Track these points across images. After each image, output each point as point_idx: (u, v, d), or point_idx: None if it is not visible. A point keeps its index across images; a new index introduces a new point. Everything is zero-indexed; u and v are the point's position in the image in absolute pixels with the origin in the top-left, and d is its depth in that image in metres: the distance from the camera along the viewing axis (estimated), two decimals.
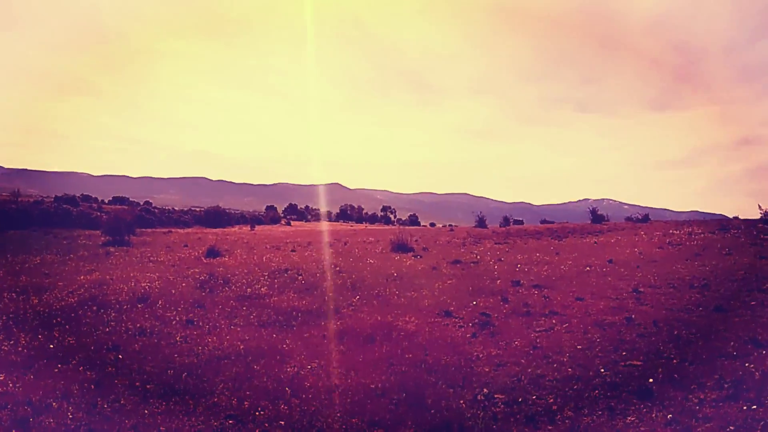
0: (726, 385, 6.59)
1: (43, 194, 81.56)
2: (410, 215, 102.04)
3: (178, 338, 9.40)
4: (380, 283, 14.74)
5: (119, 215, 31.56)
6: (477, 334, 9.62)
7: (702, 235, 24.28)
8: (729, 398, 6.26)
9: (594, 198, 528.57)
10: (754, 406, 5.98)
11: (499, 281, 14.74)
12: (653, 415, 6.04)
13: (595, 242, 25.49)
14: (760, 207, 27.23)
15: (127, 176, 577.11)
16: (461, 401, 6.68)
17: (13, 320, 10.25)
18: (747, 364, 7.24)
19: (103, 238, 27.97)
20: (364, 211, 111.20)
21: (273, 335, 9.66)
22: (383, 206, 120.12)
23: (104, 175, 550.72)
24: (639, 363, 7.65)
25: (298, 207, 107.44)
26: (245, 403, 6.67)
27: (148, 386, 7.16)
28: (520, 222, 60.76)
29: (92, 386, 7.08)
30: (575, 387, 6.96)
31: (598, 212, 40.58)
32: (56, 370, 7.65)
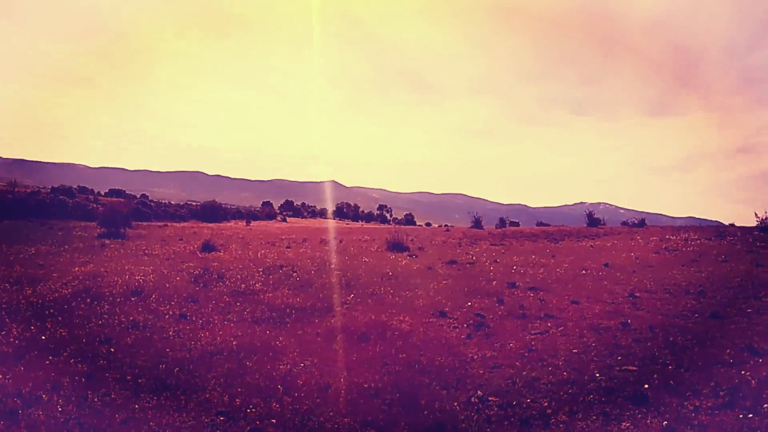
0: (722, 393, 6.56)
1: (40, 185, 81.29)
2: (406, 214, 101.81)
3: (170, 332, 9.34)
4: (375, 281, 14.70)
5: (115, 208, 31.43)
6: (472, 336, 9.58)
7: (698, 241, 24.29)
8: (725, 406, 6.23)
9: (590, 201, 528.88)
10: (750, 415, 5.95)
11: (494, 282, 14.70)
12: (648, 421, 6.00)
13: (591, 246, 25.45)
14: (756, 215, 27.30)
15: (125, 169, 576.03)
16: (455, 403, 6.65)
17: (5, 311, 10.18)
18: (743, 372, 7.22)
19: (98, 230, 27.83)
20: (361, 210, 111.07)
21: (266, 332, 9.60)
22: (379, 205, 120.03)
23: (101, 168, 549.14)
24: (634, 368, 7.61)
25: (295, 204, 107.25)
26: (237, 400, 6.62)
27: (139, 380, 7.11)
28: (516, 224, 60.72)
29: (83, 379, 7.03)
30: (570, 391, 6.92)
31: (595, 216, 40.54)
32: (47, 362, 7.59)
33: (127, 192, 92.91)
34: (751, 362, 7.66)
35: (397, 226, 60.94)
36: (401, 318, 10.72)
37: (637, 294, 12.89)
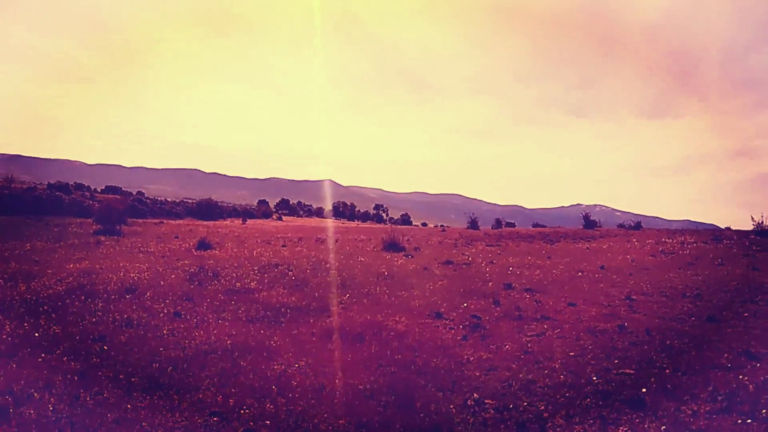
0: (720, 398, 6.52)
1: (37, 181, 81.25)
2: (402, 214, 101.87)
3: (165, 331, 9.28)
4: (371, 281, 14.66)
5: (111, 204, 31.39)
6: (467, 337, 9.53)
7: (695, 245, 24.27)
8: (723, 411, 6.19)
9: (586, 203, 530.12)
10: (749, 420, 5.92)
11: (490, 284, 14.66)
12: (646, 425, 5.96)
13: (588, 248, 25.43)
14: (753, 218, 27.29)
15: (121, 166, 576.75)
16: (451, 405, 6.60)
17: None
18: (741, 377, 7.18)
19: (94, 227, 27.83)
20: (357, 209, 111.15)
21: (261, 331, 9.55)
22: (376, 204, 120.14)
23: (98, 164, 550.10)
24: (631, 372, 7.57)
25: (291, 202, 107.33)
26: (230, 400, 6.56)
27: (132, 379, 7.06)
28: (512, 225, 60.77)
29: (75, 377, 6.97)
30: (567, 394, 6.87)
31: (591, 218, 40.49)
32: (40, 360, 7.53)
33: (123, 189, 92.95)
34: (749, 366, 7.62)
35: (393, 226, 60.99)
36: (397, 318, 10.67)
37: (634, 297, 12.84)
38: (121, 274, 13.93)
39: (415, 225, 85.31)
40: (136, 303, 11.07)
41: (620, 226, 39.96)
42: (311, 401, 6.64)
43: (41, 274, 13.45)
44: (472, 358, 8.36)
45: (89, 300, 11.08)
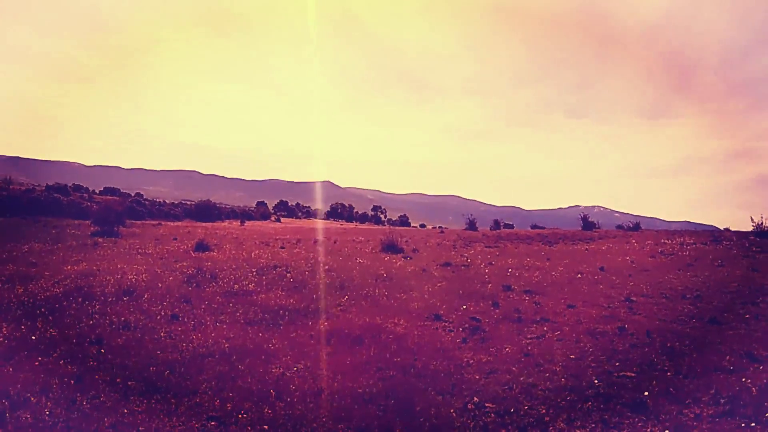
0: (722, 401, 6.46)
1: (35, 182, 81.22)
2: (400, 216, 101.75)
3: (162, 334, 9.24)
4: (369, 283, 14.61)
5: (109, 206, 31.40)
6: (467, 340, 9.48)
7: (694, 246, 24.24)
8: (726, 414, 6.13)
9: (585, 204, 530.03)
10: (753, 423, 5.87)
11: (489, 285, 14.61)
12: (648, 429, 5.91)
13: (586, 249, 25.40)
14: (752, 219, 27.27)
15: (120, 167, 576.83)
16: (451, 410, 6.54)
17: None
18: (743, 379, 7.13)
19: (92, 229, 27.81)
20: (355, 211, 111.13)
21: (259, 334, 9.50)
22: (374, 206, 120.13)
23: (96, 166, 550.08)
24: (632, 374, 7.51)
25: (289, 204, 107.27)
26: (228, 404, 6.51)
27: (129, 383, 7.01)
28: (511, 226, 60.69)
29: (72, 381, 6.93)
30: (568, 398, 6.81)
31: (589, 219, 40.37)
32: (37, 363, 7.49)
33: (121, 190, 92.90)
34: (751, 369, 7.57)
35: (391, 227, 60.95)
36: (396, 321, 10.62)
37: (634, 298, 12.80)
38: (119, 276, 13.87)
39: (413, 226, 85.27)
40: (133, 305, 11.02)
41: (619, 227, 39.89)
42: (309, 405, 6.59)
43: (39, 276, 13.40)
44: (471, 361, 8.31)
45: (86, 302, 11.03)
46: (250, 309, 11.21)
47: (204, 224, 45.17)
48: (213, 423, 6.05)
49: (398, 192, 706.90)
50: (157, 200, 76.58)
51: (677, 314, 11.19)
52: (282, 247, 24.65)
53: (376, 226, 73.86)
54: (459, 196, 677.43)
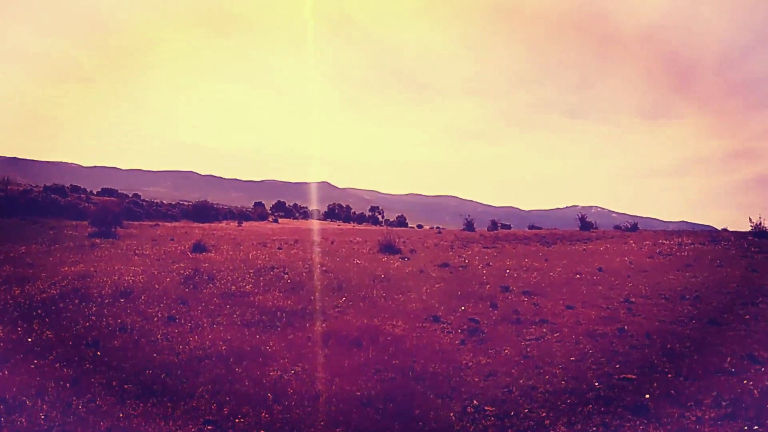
0: (724, 403, 6.42)
1: (33, 183, 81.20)
2: (398, 216, 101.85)
3: (159, 336, 9.18)
4: (367, 284, 14.57)
5: (107, 207, 31.27)
6: (466, 341, 9.44)
7: (692, 246, 24.23)
8: (728, 417, 6.09)
9: (582, 205, 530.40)
10: (755, 426, 5.83)
11: (488, 286, 14.57)
12: None
13: (584, 249, 25.40)
14: (750, 220, 27.28)
15: (117, 168, 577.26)
16: (450, 413, 6.49)
17: None
18: (745, 381, 7.09)
19: (89, 230, 27.71)
20: (352, 211, 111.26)
21: (256, 336, 9.44)
22: (371, 206, 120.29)
23: (94, 166, 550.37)
24: (633, 377, 7.46)
25: (286, 204, 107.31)
26: (225, 408, 6.44)
27: (125, 386, 6.95)
28: (508, 226, 60.66)
29: (68, 384, 6.86)
30: (568, 401, 6.76)
31: (587, 219, 40.33)
32: (32, 366, 7.42)
33: (119, 191, 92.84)
34: (752, 371, 7.54)
35: (388, 227, 60.97)
36: (394, 322, 10.56)
37: (633, 299, 12.77)
38: (116, 277, 13.80)
39: (410, 227, 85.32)
40: (130, 307, 10.95)
41: (617, 227, 39.88)
42: (307, 409, 6.53)
43: (36, 277, 13.33)
44: (470, 364, 8.26)
45: (83, 304, 10.96)
46: (247, 310, 11.15)
47: (201, 225, 45.11)
48: (210, 427, 6.00)
49: (396, 192, 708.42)
50: (155, 201, 76.57)
51: (677, 315, 11.16)
52: (279, 248, 24.61)
53: (373, 227, 73.89)
54: (456, 197, 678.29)
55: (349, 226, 76.15)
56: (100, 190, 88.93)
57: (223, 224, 50.36)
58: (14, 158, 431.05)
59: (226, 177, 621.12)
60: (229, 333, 9.50)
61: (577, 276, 16.60)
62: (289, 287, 13.74)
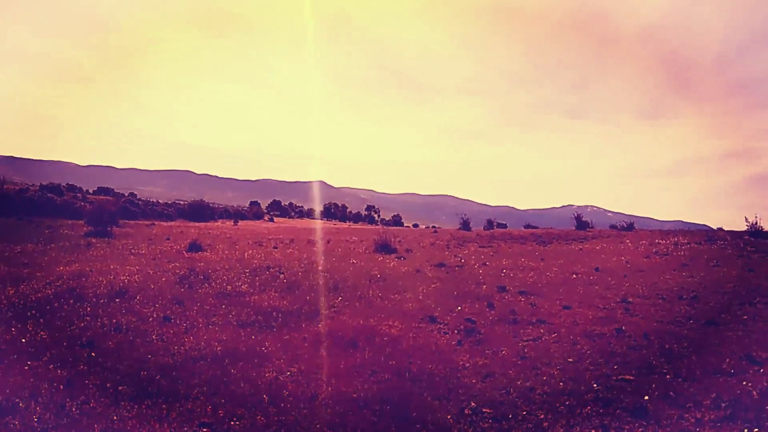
0: (723, 405, 6.38)
1: (29, 182, 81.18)
2: (394, 216, 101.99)
3: (154, 336, 9.13)
4: (363, 284, 14.53)
5: (103, 206, 31.27)
6: (462, 342, 9.39)
7: (688, 246, 24.21)
8: (727, 419, 6.05)
9: (578, 204, 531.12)
10: (755, 428, 5.79)
11: (484, 286, 14.54)
12: None
13: (581, 249, 25.38)
14: (746, 219, 27.29)
15: (113, 167, 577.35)
16: (448, 415, 6.43)
17: None
18: (744, 383, 7.04)
19: (85, 229, 27.82)
20: (348, 210, 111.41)
21: (252, 336, 9.39)
22: (367, 206, 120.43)
23: (90, 165, 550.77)
24: (631, 378, 7.42)
25: (282, 204, 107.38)
26: (220, 410, 6.38)
27: (120, 388, 6.89)
28: (504, 226, 60.67)
29: (62, 386, 6.81)
30: (567, 402, 6.71)
31: (583, 219, 40.29)
32: (26, 367, 7.35)
33: (115, 190, 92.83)
34: (751, 372, 7.50)
35: (384, 227, 61.03)
36: (390, 323, 10.51)
37: (630, 299, 12.74)
38: (111, 277, 13.77)
39: (406, 226, 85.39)
40: (125, 307, 10.91)
41: (612, 227, 39.85)
42: (303, 411, 6.47)
43: (31, 277, 13.30)
44: (468, 364, 8.21)
45: (78, 304, 10.92)
46: (242, 311, 11.11)
47: (197, 224, 45.16)
48: (205, 430, 5.94)
49: (392, 192, 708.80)
50: (151, 200, 76.59)
51: (674, 315, 11.14)
52: (275, 248, 24.62)
53: (369, 226, 73.97)
54: (452, 196, 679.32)
55: (345, 225, 76.24)
56: (96, 189, 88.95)
57: (219, 223, 50.39)
58: (11, 157, 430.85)
59: (222, 176, 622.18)
60: (225, 333, 9.46)
61: (574, 276, 16.57)
62: (284, 287, 13.69)
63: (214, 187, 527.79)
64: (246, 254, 20.69)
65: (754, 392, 6.68)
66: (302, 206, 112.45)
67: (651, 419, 6.13)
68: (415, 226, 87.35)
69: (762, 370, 7.52)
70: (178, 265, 16.58)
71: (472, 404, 6.72)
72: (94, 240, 23.39)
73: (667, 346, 8.86)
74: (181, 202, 71.13)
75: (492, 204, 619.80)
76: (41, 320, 9.64)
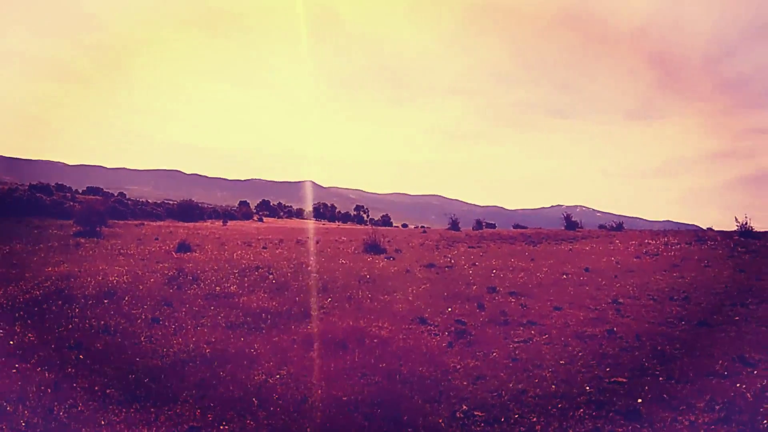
0: (717, 407, 6.34)
1: (18, 182, 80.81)
2: (383, 215, 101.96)
3: (142, 338, 9.07)
4: (352, 285, 14.47)
5: (92, 206, 31.17)
6: (453, 344, 9.34)
7: (678, 246, 24.23)
8: (721, 421, 6.01)
9: (567, 204, 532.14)
10: (749, 431, 5.73)
11: (474, 287, 14.49)
12: None
13: (570, 249, 25.38)
14: (736, 219, 27.30)
15: (102, 166, 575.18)
16: (439, 419, 6.38)
17: None
18: (738, 385, 7.02)
19: (74, 229, 27.77)
20: (338, 210, 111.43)
21: (241, 338, 9.33)
22: (356, 206, 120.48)
23: (79, 165, 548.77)
24: (624, 380, 7.38)
25: (271, 203, 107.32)
26: (209, 414, 6.32)
27: (108, 391, 6.82)
28: (493, 225, 60.70)
29: (50, 389, 6.74)
30: (559, 405, 6.67)
31: (572, 219, 40.29)
32: (14, 370, 7.29)
33: (104, 190, 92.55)
34: (744, 373, 7.48)
35: (373, 227, 61.05)
36: (380, 324, 10.46)
37: (621, 300, 12.71)
38: (100, 277, 13.68)
39: (395, 226, 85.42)
40: (114, 308, 10.84)
41: (602, 227, 39.85)
42: (293, 414, 6.41)
43: (19, 278, 13.23)
44: (458, 366, 8.16)
45: (66, 305, 10.84)
46: (231, 312, 11.04)
47: (186, 224, 45.05)
48: None
49: (381, 192, 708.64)
50: (140, 200, 76.43)
51: (666, 316, 11.11)
52: (264, 248, 24.57)
53: (358, 226, 73.98)
54: (441, 196, 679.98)
55: (335, 225, 76.25)
56: (85, 188, 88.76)
57: (208, 223, 50.30)
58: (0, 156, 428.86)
59: (211, 176, 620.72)
60: (214, 335, 9.39)
61: (564, 276, 16.54)
62: (273, 288, 13.63)
63: (203, 187, 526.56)
64: (235, 255, 20.64)
65: (748, 394, 6.65)
66: (291, 206, 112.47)
67: (644, 422, 6.09)
68: (404, 226, 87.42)
69: (756, 372, 7.50)
70: (166, 265, 16.52)
71: (464, 407, 6.67)
72: (83, 240, 23.34)
73: (659, 348, 8.84)
74: (171, 202, 71.02)
75: (481, 204, 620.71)
76: (29, 321, 9.59)
